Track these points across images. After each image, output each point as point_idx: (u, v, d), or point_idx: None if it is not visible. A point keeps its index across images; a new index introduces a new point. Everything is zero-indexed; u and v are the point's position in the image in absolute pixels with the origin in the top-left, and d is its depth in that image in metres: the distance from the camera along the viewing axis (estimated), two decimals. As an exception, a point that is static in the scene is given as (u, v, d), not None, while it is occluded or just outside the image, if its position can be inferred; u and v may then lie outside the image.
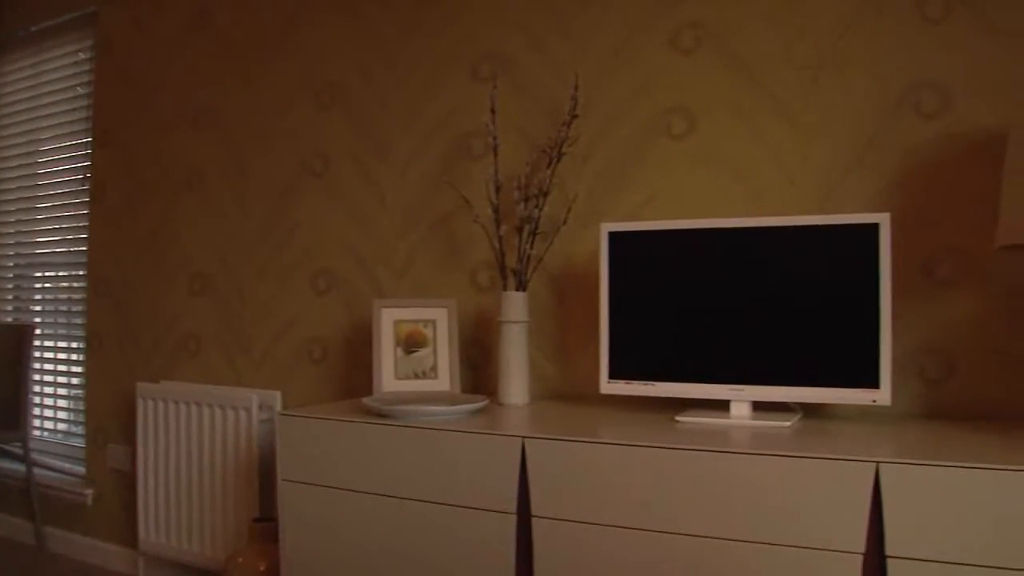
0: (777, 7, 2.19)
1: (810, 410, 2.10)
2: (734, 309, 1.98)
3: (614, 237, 2.09)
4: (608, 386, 2.09)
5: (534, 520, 1.84)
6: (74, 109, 3.74)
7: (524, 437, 1.86)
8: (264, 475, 2.89)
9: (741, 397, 1.96)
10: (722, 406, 2.01)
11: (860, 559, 1.57)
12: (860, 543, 1.57)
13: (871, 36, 2.10)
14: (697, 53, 2.28)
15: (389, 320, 2.41)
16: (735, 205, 2.23)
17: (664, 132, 2.32)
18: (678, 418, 1.99)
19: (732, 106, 2.24)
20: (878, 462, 1.55)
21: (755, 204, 2.21)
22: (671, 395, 2.02)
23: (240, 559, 2.56)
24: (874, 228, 1.84)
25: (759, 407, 2.05)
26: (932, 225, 2.04)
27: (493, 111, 2.42)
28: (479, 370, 2.60)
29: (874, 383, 1.84)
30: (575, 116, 2.34)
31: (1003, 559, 1.47)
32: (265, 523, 2.64)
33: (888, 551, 1.55)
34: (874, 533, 1.57)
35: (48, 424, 3.88)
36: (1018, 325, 1.96)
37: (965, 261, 2.00)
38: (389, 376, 2.38)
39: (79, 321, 3.69)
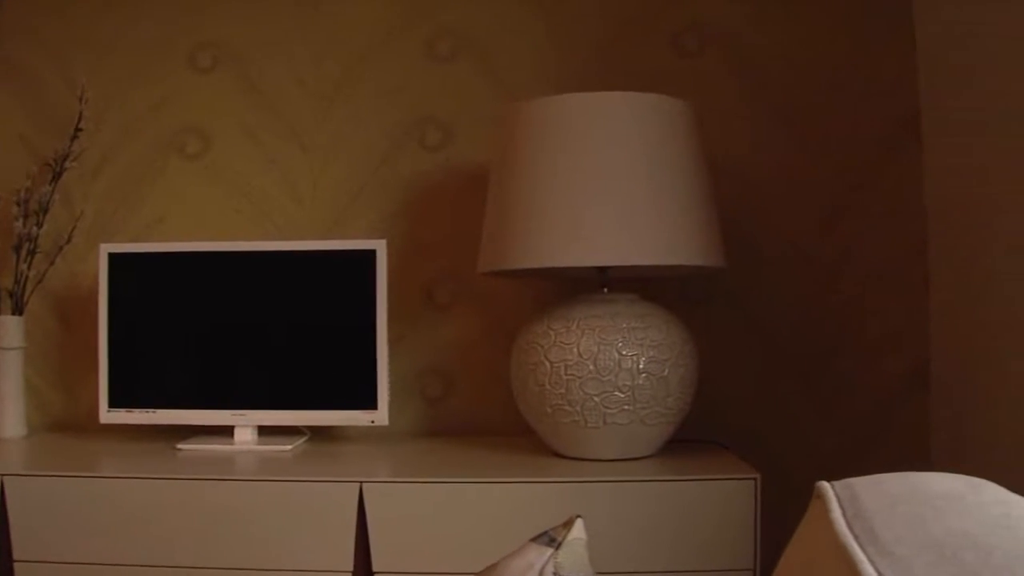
0: (293, 34, 2.22)
1: (320, 432, 2.13)
2: (240, 334, 1.96)
3: (115, 259, 1.99)
4: (108, 415, 1.99)
5: (16, 564, 1.70)
6: None
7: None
8: None
9: (244, 422, 1.94)
10: (230, 432, 1.98)
11: (349, 577, 1.62)
12: (348, 562, 1.62)
13: (383, 70, 2.19)
14: (214, 73, 2.25)
15: None
16: (247, 227, 2.22)
17: (178, 151, 2.25)
18: (179, 446, 1.93)
19: (246, 128, 2.23)
20: (361, 482, 1.61)
21: (266, 227, 2.21)
22: (173, 422, 1.96)
23: None
24: (371, 254, 1.92)
25: (269, 431, 2.04)
26: (433, 251, 2.16)
27: (-12, 118, 2.22)
28: (-25, 402, 2.36)
29: (374, 404, 1.91)
30: (80, 129, 2.20)
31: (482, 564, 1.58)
32: None
33: (375, 567, 1.61)
34: (362, 551, 1.63)
35: None
36: (503, 343, 2.13)
37: (461, 286, 2.15)
38: None
39: None
